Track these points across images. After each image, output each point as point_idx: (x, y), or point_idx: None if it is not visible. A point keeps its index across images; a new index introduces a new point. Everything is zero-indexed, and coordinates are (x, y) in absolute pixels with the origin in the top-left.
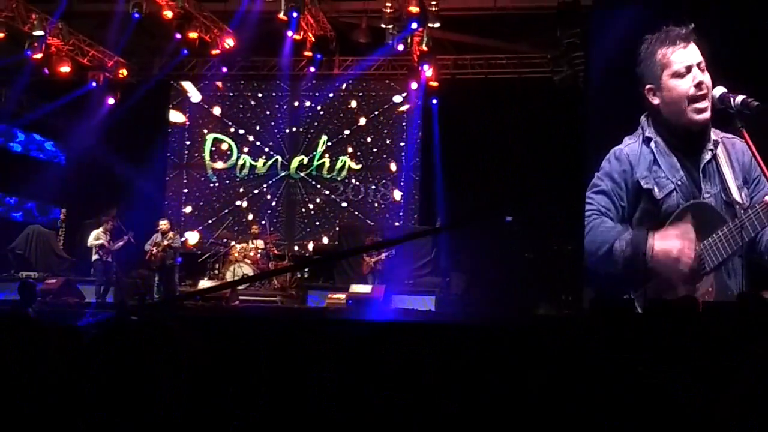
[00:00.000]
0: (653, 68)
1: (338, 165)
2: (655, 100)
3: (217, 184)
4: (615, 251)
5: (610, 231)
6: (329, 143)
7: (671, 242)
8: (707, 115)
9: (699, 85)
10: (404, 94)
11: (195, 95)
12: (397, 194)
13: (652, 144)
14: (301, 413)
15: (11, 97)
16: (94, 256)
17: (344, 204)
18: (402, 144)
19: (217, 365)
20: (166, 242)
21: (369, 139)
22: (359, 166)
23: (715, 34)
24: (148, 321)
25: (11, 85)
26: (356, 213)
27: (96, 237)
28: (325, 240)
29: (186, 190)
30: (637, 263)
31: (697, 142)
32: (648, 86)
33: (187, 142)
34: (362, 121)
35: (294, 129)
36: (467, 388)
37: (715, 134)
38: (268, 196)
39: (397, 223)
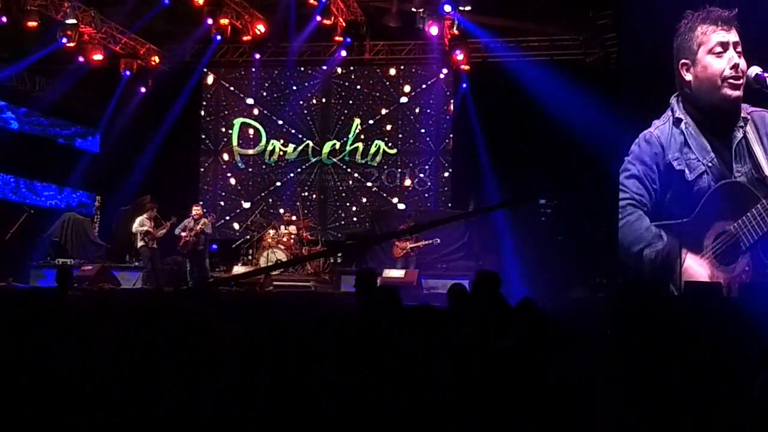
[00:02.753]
0: (690, 44)
1: (372, 150)
2: (688, 76)
3: (250, 170)
4: (645, 257)
5: (643, 233)
6: (362, 126)
7: (703, 269)
8: (739, 93)
9: (735, 67)
10: (435, 79)
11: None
12: (429, 179)
13: (683, 125)
14: (333, 398)
15: (47, 86)
16: (140, 243)
17: (377, 189)
18: (434, 128)
19: (252, 350)
20: (199, 227)
21: (401, 124)
22: (394, 151)
23: (755, 18)
24: (184, 307)
25: (47, 73)
26: (389, 198)
27: (141, 223)
28: (358, 225)
29: (219, 176)
30: (666, 273)
31: (728, 121)
32: (682, 61)
33: (221, 129)
34: (394, 106)
35: (325, 114)
36: (501, 368)
37: (744, 110)
38: (301, 182)
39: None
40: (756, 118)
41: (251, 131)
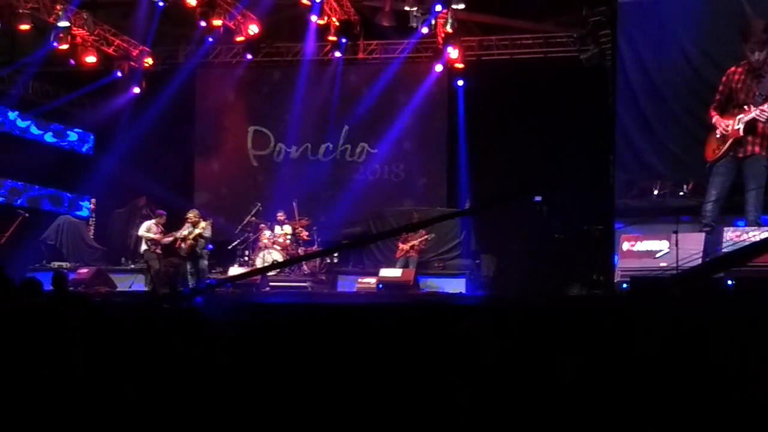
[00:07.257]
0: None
1: (357, 150)
2: None
3: (250, 171)
4: None
5: None
6: (352, 128)
7: None
8: None
9: None
10: (429, 77)
11: None
12: (424, 177)
13: None
14: (325, 398)
15: (40, 88)
16: (143, 247)
17: (373, 188)
18: (428, 127)
19: (248, 351)
20: (197, 231)
21: (395, 123)
22: (375, 151)
23: None
24: (180, 309)
25: (40, 77)
26: (385, 197)
27: (147, 229)
28: (354, 225)
29: (214, 177)
30: None
31: None
32: None
33: (215, 130)
34: (387, 105)
35: (319, 115)
36: (502, 369)
37: None
38: (298, 182)
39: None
40: None
41: (261, 137)
